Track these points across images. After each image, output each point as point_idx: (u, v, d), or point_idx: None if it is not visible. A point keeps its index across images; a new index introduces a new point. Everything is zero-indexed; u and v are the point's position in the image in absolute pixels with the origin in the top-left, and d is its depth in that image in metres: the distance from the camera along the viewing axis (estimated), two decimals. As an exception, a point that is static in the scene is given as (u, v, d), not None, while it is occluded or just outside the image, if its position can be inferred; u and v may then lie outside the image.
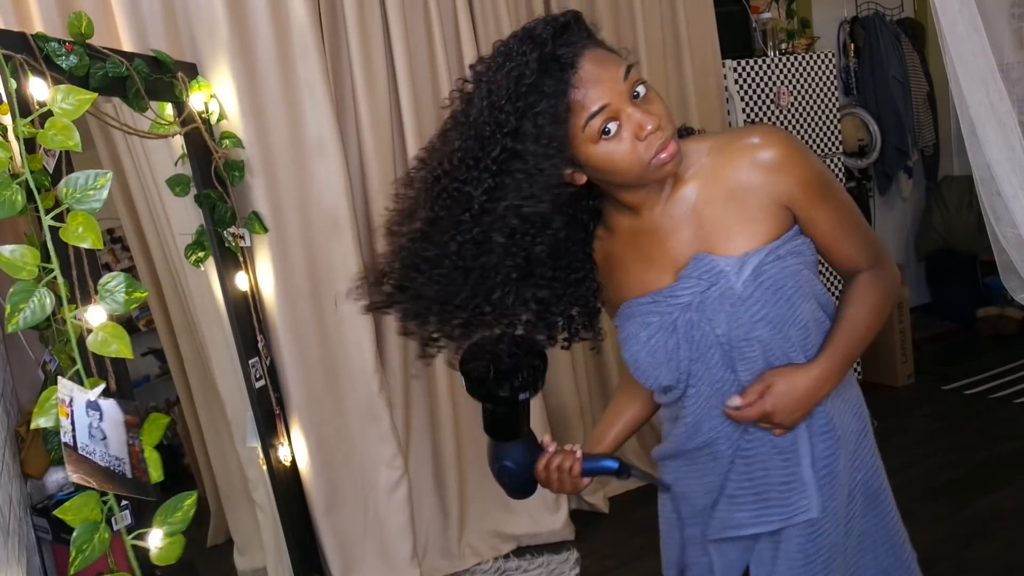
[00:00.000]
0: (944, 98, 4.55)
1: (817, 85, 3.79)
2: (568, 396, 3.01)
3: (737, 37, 3.79)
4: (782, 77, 3.69)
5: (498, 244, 1.01)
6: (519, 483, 1.19)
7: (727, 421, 1.14)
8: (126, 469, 1.41)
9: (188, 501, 1.46)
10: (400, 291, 1.08)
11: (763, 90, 3.64)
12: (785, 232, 1.10)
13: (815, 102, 3.79)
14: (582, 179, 1.06)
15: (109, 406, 1.41)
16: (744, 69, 3.59)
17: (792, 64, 3.71)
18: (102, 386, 1.40)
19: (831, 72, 3.84)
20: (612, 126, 0.99)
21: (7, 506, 1.49)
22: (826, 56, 3.83)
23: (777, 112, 3.67)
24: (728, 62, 3.54)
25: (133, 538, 1.41)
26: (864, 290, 1.16)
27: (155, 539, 1.66)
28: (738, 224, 1.09)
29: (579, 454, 1.17)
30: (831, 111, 3.84)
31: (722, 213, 1.10)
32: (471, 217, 1.00)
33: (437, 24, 2.68)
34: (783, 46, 3.88)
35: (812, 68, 3.77)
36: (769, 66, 3.65)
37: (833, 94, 3.85)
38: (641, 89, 1.00)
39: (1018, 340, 4.27)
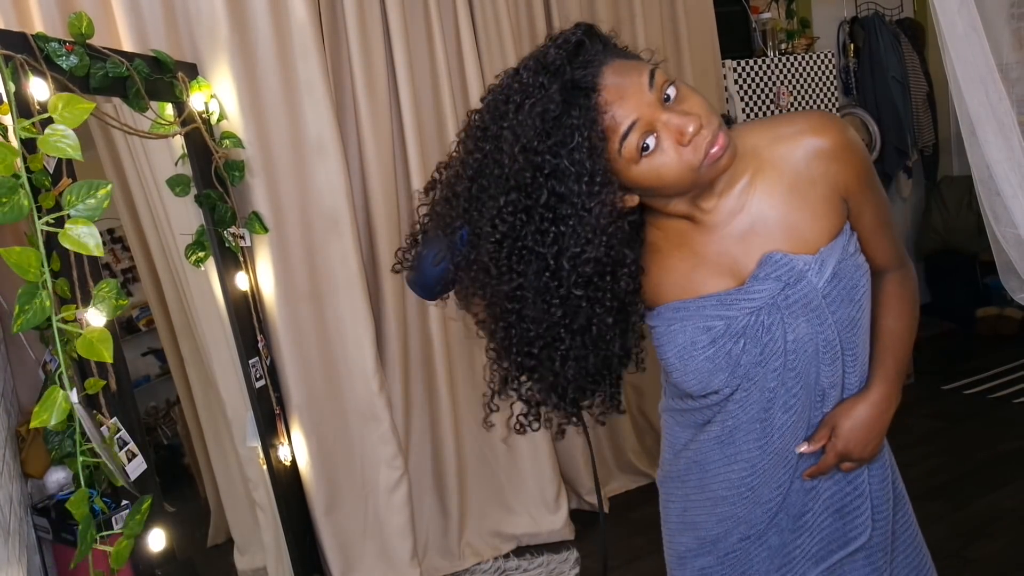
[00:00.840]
0: (943, 98, 4.54)
1: (817, 85, 3.79)
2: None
3: (737, 37, 3.80)
4: (782, 77, 3.69)
5: (578, 297, 0.93)
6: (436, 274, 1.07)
7: (760, 437, 1.07)
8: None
9: (145, 505, 1.51)
10: (530, 378, 1.02)
11: (763, 90, 3.64)
12: (843, 225, 1.04)
13: (815, 102, 3.79)
14: (634, 201, 0.98)
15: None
16: (744, 69, 3.59)
17: (792, 64, 3.71)
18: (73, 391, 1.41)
19: (831, 72, 3.84)
20: (650, 140, 0.90)
21: (8, 506, 1.49)
22: (826, 56, 3.84)
23: (777, 112, 3.68)
24: (728, 62, 3.54)
25: (102, 538, 1.46)
26: (898, 297, 1.12)
27: (155, 540, 1.67)
28: (804, 219, 1.02)
29: None
30: (830, 111, 3.84)
31: (784, 207, 1.01)
32: (551, 275, 0.92)
33: (437, 24, 2.69)
34: (783, 46, 3.88)
35: (812, 68, 3.78)
36: (769, 66, 3.65)
37: (833, 94, 3.85)
38: (671, 91, 0.91)
39: (1018, 340, 4.27)
